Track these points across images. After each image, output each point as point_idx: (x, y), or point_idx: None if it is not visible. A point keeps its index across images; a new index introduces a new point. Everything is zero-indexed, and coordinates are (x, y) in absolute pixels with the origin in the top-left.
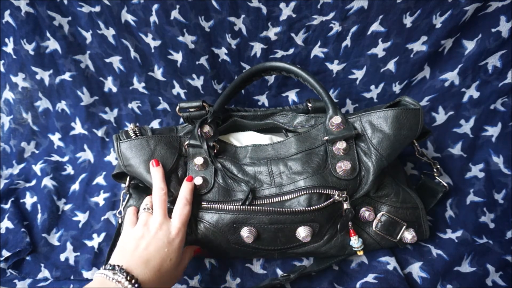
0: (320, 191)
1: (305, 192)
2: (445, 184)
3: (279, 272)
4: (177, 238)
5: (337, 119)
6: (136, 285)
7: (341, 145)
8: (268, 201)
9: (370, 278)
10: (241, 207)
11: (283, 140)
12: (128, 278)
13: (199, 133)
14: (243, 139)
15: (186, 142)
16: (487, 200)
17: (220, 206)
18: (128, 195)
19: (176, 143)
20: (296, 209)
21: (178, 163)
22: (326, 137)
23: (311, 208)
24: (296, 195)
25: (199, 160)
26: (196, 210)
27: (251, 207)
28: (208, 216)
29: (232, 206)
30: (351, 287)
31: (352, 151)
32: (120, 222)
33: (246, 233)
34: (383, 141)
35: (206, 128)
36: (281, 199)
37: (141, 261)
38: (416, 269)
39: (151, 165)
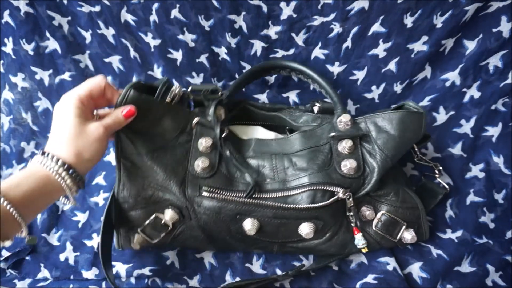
0: (324, 188)
1: (309, 188)
2: (446, 186)
3: (279, 272)
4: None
5: (346, 117)
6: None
7: (347, 143)
8: (271, 196)
9: (370, 278)
10: (245, 199)
11: (288, 136)
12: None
13: (215, 113)
14: (249, 132)
15: (195, 120)
16: (487, 200)
17: (223, 196)
18: None
19: (183, 119)
20: (301, 206)
21: (177, 140)
22: (333, 133)
23: (315, 205)
24: (300, 191)
25: (207, 141)
26: (198, 196)
27: (255, 200)
28: (210, 203)
29: (236, 198)
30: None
31: (357, 151)
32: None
33: (249, 225)
34: (388, 142)
35: (221, 110)
36: (284, 194)
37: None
38: (416, 269)
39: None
